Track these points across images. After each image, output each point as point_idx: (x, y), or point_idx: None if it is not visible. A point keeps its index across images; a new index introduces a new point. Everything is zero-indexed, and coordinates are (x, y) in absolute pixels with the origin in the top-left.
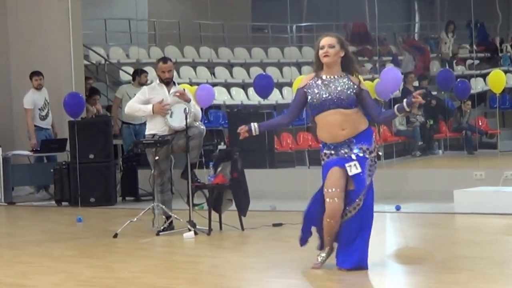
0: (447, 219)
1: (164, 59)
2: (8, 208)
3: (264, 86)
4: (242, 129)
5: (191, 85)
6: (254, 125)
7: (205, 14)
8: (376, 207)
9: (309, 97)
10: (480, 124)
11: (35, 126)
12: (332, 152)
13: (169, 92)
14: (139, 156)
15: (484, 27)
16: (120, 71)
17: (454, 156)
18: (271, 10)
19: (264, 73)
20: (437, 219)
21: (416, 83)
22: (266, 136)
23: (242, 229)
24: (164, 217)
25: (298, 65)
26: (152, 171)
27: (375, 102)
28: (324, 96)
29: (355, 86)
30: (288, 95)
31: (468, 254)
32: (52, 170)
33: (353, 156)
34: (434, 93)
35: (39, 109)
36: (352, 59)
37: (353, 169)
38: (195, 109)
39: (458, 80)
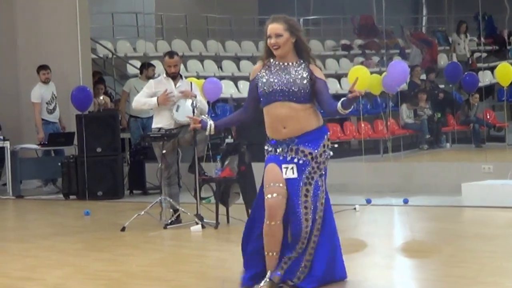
0: (455, 213)
1: (171, 54)
2: (16, 201)
3: None
4: (195, 120)
5: (198, 78)
6: (211, 124)
7: (212, 8)
8: (383, 201)
9: (259, 86)
10: (488, 117)
11: (42, 120)
12: (271, 149)
13: (175, 86)
14: (146, 150)
15: (492, 20)
16: (127, 65)
17: (462, 149)
18: (278, 3)
19: None
20: (445, 212)
21: (423, 76)
22: None
23: None
24: (171, 210)
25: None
26: (159, 164)
27: (330, 96)
28: (274, 85)
29: (311, 76)
30: None
31: (476, 247)
32: (59, 164)
33: (289, 159)
34: (442, 86)
35: (47, 103)
36: (305, 45)
37: (289, 172)
38: (202, 103)
39: (466, 73)
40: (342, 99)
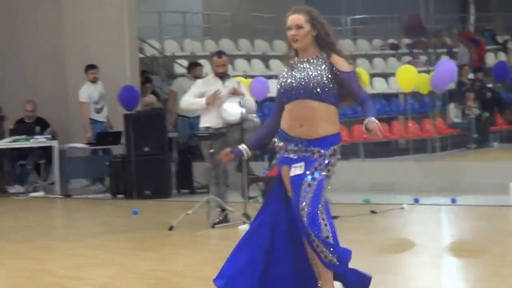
0: (502, 212)
1: (219, 54)
2: (64, 200)
3: None
4: (224, 154)
5: (245, 78)
6: (244, 147)
7: (259, 7)
8: (431, 200)
9: (280, 86)
10: None
11: (90, 119)
12: (281, 144)
13: (223, 85)
14: (194, 149)
15: None
16: (175, 64)
17: (510, 148)
18: (326, 2)
19: None
20: (492, 211)
21: (471, 75)
22: None
23: None
24: (219, 209)
25: (353, 58)
26: (207, 163)
27: (358, 88)
28: (293, 83)
29: (331, 70)
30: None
31: None
32: (107, 163)
33: (299, 157)
34: (490, 85)
35: (94, 102)
36: (328, 38)
37: (297, 170)
38: (249, 102)
39: None
40: (368, 119)
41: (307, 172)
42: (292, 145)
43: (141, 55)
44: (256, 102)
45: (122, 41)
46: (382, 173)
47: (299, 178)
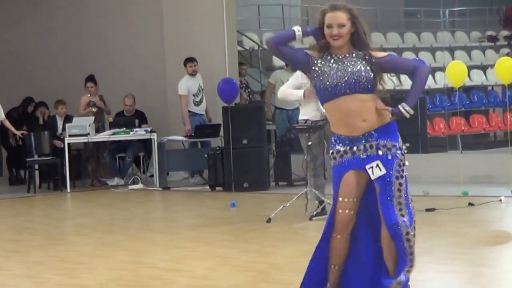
0: None
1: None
2: (163, 193)
3: None
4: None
5: None
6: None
7: (357, 0)
8: (493, 191)
9: (315, 79)
10: None
11: (189, 112)
12: (347, 149)
13: None
14: (292, 141)
15: None
16: (273, 57)
17: None
18: None
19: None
20: None
21: None
22: (419, 121)
23: None
24: (317, 202)
25: (451, 50)
26: (305, 156)
27: (407, 59)
28: (337, 78)
29: (371, 63)
30: (440, 80)
31: None
32: (206, 155)
33: (369, 154)
34: None
35: (193, 95)
36: (364, 37)
37: (376, 170)
38: None
39: None
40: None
41: (394, 172)
42: (361, 143)
43: (240, 48)
44: None
45: (221, 34)
46: (480, 165)
47: (385, 178)
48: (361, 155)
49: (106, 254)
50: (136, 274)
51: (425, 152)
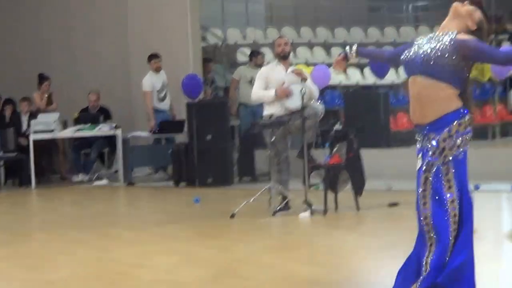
0: None
1: (280, 36)
2: (128, 188)
3: (379, 66)
4: (337, 59)
5: (307, 65)
6: (352, 48)
7: None
8: (490, 186)
9: (405, 52)
10: None
11: (153, 108)
12: (418, 138)
13: (286, 71)
14: (256, 137)
15: None
16: (237, 53)
17: None
18: None
19: None
20: None
21: None
22: (382, 116)
23: (358, 209)
24: (280, 197)
25: None
26: (269, 151)
27: (490, 48)
28: (414, 54)
29: (455, 46)
30: (404, 75)
31: None
32: (170, 151)
33: (419, 145)
34: None
35: (158, 91)
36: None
37: (419, 163)
38: (312, 87)
39: None
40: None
41: (424, 165)
42: (421, 133)
43: (204, 44)
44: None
45: (185, 30)
46: None
47: (419, 173)
48: (422, 146)
49: (71, 250)
50: (100, 269)
51: (388, 146)
